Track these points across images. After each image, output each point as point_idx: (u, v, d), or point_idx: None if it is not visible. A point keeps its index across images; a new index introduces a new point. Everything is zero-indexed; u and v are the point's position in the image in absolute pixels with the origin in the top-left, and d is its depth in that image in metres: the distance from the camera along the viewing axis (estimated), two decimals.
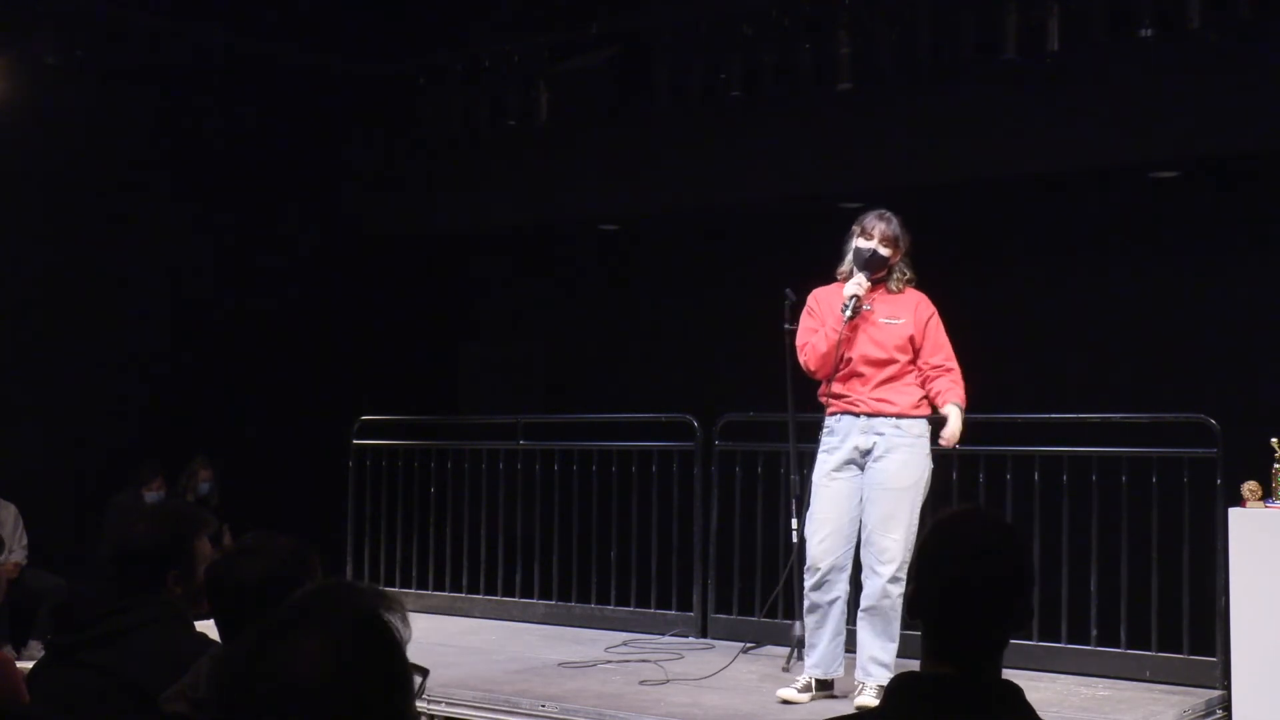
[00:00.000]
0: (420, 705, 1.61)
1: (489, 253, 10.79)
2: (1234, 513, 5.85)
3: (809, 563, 5.54)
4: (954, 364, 5.59)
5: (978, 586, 2.19)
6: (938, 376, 5.54)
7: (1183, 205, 8.09)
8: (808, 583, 5.55)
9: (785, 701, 5.50)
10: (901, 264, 5.63)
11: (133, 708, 3.09)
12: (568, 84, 8.70)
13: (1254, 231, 7.93)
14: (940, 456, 6.67)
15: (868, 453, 5.49)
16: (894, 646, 5.42)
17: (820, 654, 5.55)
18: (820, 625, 5.53)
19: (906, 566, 5.34)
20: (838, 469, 5.53)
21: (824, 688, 5.58)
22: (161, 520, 3.51)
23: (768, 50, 7.83)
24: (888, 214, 5.64)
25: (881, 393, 5.51)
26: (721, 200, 8.95)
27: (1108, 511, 6.37)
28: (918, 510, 5.46)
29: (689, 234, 9.81)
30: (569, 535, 8.06)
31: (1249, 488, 5.87)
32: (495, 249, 10.74)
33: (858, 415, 5.51)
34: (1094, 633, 6.32)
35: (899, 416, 5.49)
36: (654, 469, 7.60)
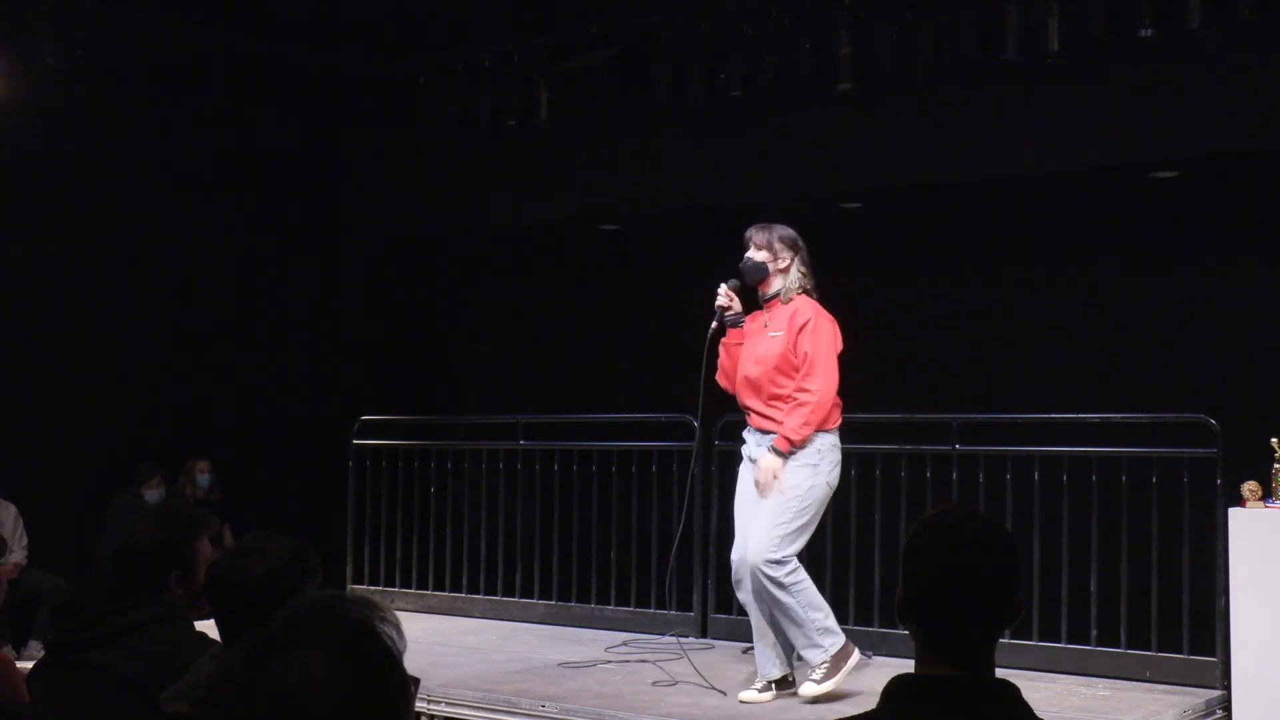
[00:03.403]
0: (420, 705, 1.60)
1: (489, 253, 10.78)
2: (1234, 513, 5.85)
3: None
4: (812, 385, 5.44)
5: (965, 579, 2.18)
6: (789, 406, 5.49)
7: (1183, 205, 8.08)
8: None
9: (746, 702, 5.55)
10: (794, 272, 5.59)
11: (133, 708, 3.09)
12: (568, 84, 8.70)
13: (1254, 231, 7.92)
14: (940, 457, 6.71)
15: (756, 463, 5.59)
16: (811, 628, 5.40)
17: (757, 654, 5.68)
18: (753, 625, 5.65)
19: (776, 563, 5.37)
20: (745, 473, 5.67)
21: (782, 685, 5.63)
22: (163, 521, 3.52)
23: (768, 50, 7.82)
24: (769, 224, 5.69)
25: (770, 410, 5.57)
26: (721, 200, 8.95)
27: (1108, 511, 6.37)
28: (785, 510, 5.42)
29: (689, 234, 9.80)
30: (569, 535, 8.05)
31: (1249, 488, 5.87)
32: (495, 249, 10.73)
33: (756, 430, 5.62)
34: (1094, 633, 6.32)
35: None
36: (654, 469, 7.60)
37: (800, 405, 5.44)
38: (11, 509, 8.42)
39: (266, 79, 9.28)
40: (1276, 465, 5.86)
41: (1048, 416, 6.91)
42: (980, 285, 8.62)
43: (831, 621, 5.51)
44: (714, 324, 5.61)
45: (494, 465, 8.19)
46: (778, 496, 5.46)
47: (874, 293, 8.15)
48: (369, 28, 9.28)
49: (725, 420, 7.37)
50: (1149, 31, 6.82)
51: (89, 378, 8.93)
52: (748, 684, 5.76)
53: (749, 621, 6.99)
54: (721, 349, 5.70)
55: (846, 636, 5.59)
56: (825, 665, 5.43)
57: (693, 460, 6.68)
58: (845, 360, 5.63)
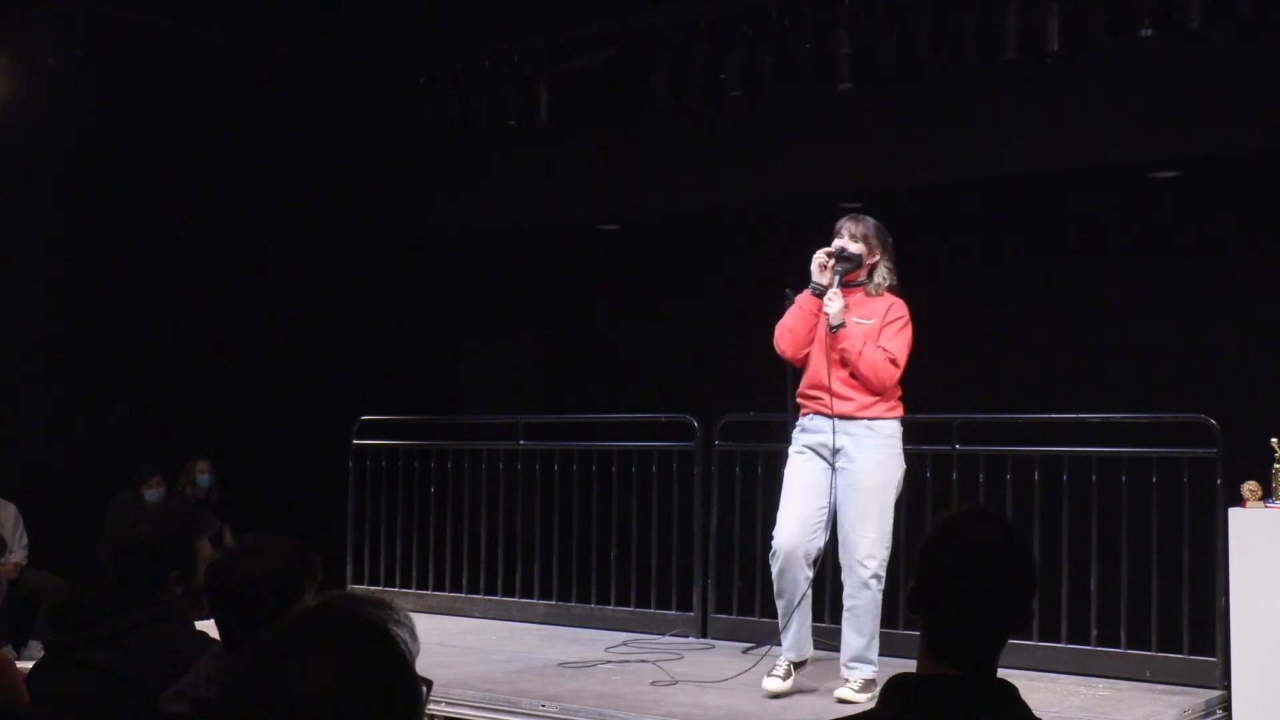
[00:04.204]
0: None
1: (489, 252, 10.79)
2: (1234, 513, 5.84)
3: (774, 547, 5.61)
4: (895, 358, 5.49)
5: (978, 582, 2.19)
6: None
7: (1183, 205, 8.09)
8: (772, 567, 5.62)
9: (772, 693, 5.55)
10: (882, 267, 5.60)
11: (133, 708, 3.09)
12: (568, 84, 8.70)
13: (1254, 231, 7.93)
14: (940, 457, 6.71)
15: (838, 452, 5.53)
16: (876, 642, 5.52)
17: (792, 638, 5.64)
18: (789, 609, 5.60)
19: (884, 563, 5.49)
20: (806, 460, 5.59)
21: (798, 669, 5.68)
22: (163, 520, 3.52)
23: (768, 50, 7.82)
24: (861, 215, 5.64)
25: (852, 394, 5.52)
26: (721, 200, 8.95)
27: (1108, 511, 6.37)
28: (890, 509, 5.53)
29: (689, 234, 9.81)
30: (569, 535, 8.05)
31: (1249, 488, 5.86)
32: (495, 249, 10.74)
33: (829, 416, 5.54)
34: (1094, 633, 6.32)
35: (871, 419, 5.52)
36: (654, 469, 7.60)
37: (891, 360, 5.46)
38: (11, 509, 8.42)
39: (265, 79, 9.28)
40: (1276, 465, 5.85)
41: (1048, 416, 6.90)
42: (980, 285, 8.63)
43: None
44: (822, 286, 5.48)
45: (494, 465, 8.19)
46: (880, 494, 5.47)
47: None
48: (368, 27, 9.28)
49: (725, 420, 7.38)
50: (1149, 31, 6.83)
51: (89, 378, 8.93)
52: (756, 682, 5.75)
53: (749, 621, 7.03)
54: (800, 310, 5.54)
55: None
56: (862, 682, 5.46)
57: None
58: None
